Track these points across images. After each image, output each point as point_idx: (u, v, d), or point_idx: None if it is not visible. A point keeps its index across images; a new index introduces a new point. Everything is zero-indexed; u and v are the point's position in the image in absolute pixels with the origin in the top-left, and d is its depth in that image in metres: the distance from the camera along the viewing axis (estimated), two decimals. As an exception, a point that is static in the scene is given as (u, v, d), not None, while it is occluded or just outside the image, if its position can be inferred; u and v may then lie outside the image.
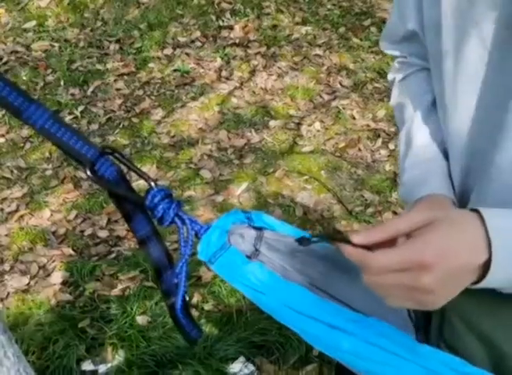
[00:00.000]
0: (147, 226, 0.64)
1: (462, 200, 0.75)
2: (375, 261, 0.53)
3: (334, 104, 2.94)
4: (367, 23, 3.61)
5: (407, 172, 0.81)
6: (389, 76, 0.95)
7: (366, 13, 3.70)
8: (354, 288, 0.64)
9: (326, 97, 3.00)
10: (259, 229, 0.69)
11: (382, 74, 3.11)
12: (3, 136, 2.78)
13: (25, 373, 0.97)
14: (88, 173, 0.60)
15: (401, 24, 0.85)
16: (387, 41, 0.94)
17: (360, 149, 2.67)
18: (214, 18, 3.58)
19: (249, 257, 0.65)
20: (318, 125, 2.80)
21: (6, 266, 2.13)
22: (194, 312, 1.88)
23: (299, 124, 2.82)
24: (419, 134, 0.82)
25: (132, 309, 1.88)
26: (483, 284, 0.55)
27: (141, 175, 0.64)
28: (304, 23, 3.60)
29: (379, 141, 2.67)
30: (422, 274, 0.52)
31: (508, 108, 0.61)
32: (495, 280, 0.54)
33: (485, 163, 0.67)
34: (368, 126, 2.79)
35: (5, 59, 3.29)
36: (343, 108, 2.91)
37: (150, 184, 0.63)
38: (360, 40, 3.44)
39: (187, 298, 0.65)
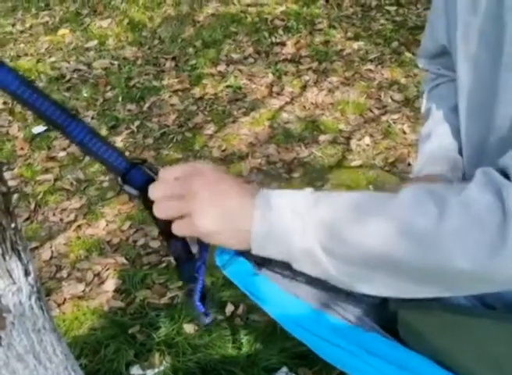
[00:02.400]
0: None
1: None
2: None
3: (384, 118, 2.94)
4: (420, 37, 3.58)
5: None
6: (423, 86, 1.01)
7: (420, 27, 3.69)
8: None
9: (377, 111, 3.00)
10: None
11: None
12: (64, 149, 2.93)
13: (73, 371, 1.04)
14: (120, 182, 0.66)
15: (434, 41, 0.90)
16: (423, 58, 0.99)
17: (409, 164, 2.65)
18: (267, 35, 3.66)
19: (260, 265, 0.67)
20: (367, 139, 2.81)
21: (64, 273, 2.23)
22: (240, 322, 1.92)
23: (348, 138, 2.84)
24: (439, 129, 0.87)
25: (179, 317, 1.94)
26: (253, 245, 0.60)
27: None
28: (356, 38, 3.62)
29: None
30: (194, 179, 0.61)
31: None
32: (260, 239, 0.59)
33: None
34: (418, 140, 2.76)
35: (68, 77, 3.46)
36: (394, 123, 2.90)
37: None
38: (413, 54, 3.43)
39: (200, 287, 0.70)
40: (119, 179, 0.66)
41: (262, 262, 0.67)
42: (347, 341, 0.63)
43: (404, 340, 0.67)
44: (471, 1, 0.69)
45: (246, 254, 0.65)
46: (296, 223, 0.57)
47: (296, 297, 0.66)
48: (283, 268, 0.66)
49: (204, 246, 0.68)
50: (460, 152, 0.84)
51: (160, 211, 0.62)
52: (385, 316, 0.69)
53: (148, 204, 0.66)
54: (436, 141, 0.88)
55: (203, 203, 0.60)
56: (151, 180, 0.67)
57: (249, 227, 0.59)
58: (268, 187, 0.62)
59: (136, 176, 0.66)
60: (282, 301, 0.65)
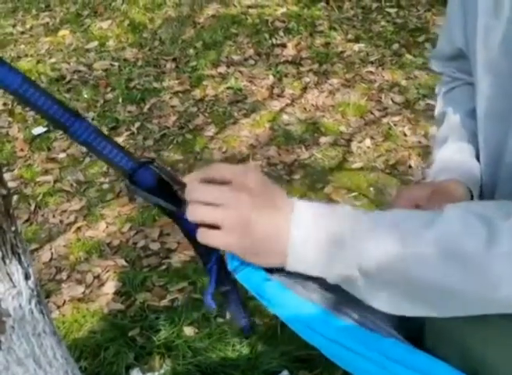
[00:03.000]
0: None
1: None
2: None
3: (385, 121, 2.93)
4: (421, 39, 3.60)
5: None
6: (437, 89, 1.00)
7: (421, 29, 3.69)
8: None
9: (377, 113, 3.00)
10: None
11: (435, 91, 3.08)
12: (64, 151, 2.92)
13: (73, 375, 1.03)
14: (127, 183, 0.65)
15: (450, 44, 0.90)
16: (437, 60, 0.99)
17: (410, 166, 2.65)
18: (267, 36, 3.65)
19: (272, 270, 0.66)
20: (368, 142, 2.81)
21: (64, 275, 2.23)
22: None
23: (349, 141, 2.83)
24: (455, 134, 0.87)
25: (180, 320, 1.93)
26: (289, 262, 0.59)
27: (178, 183, 0.68)
28: (357, 40, 3.61)
29: (431, 158, 2.64)
30: (241, 192, 0.59)
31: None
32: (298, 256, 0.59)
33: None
34: (419, 142, 2.77)
35: (68, 78, 3.45)
36: (395, 125, 2.90)
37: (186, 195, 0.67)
38: (414, 56, 3.43)
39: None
40: (127, 180, 0.65)
41: (275, 269, 0.66)
42: (365, 346, 0.62)
43: (428, 346, 0.66)
44: (492, 4, 0.68)
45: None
46: (335, 249, 0.57)
47: (310, 301, 0.65)
48: (296, 274, 0.66)
49: (214, 249, 0.67)
50: (478, 157, 0.83)
51: (195, 215, 0.61)
52: (401, 321, 0.68)
53: (161, 206, 0.65)
54: (453, 146, 0.87)
55: (243, 221, 0.59)
56: (160, 179, 0.66)
57: (285, 251, 0.59)
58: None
59: (144, 176, 0.65)
60: (296, 305, 0.64)
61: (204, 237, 0.61)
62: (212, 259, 0.69)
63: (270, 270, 0.65)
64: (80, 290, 2.14)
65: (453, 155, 0.87)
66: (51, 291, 2.13)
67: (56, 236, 2.42)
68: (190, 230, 0.67)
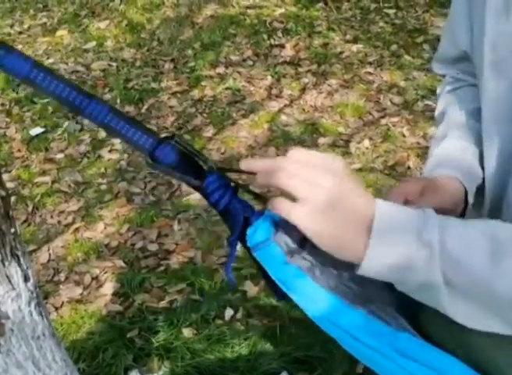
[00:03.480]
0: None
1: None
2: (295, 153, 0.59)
3: (384, 121, 2.93)
4: (419, 40, 3.59)
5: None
6: (438, 90, 0.99)
7: (419, 30, 3.69)
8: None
9: (376, 114, 3.00)
10: None
11: (434, 92, 3.08)
12: (62, 151, 2.91)
13: (72, 378, 1.02)
14: (149, 161, 0.63)
15: (454, 46, 0.89)
16: (440, 63, 0.98)
17: (409, 167, 2.65)
18: (266, 37, 3.65)
19: (292, 253, 0.65)
20: (367, 142, 2.80)
21: (62, 277, 2.22)
22: (239, 326, 1.91)
23: (348, 142, 2.83)
24: (455, 132, 0.86)
25: (178, 321, 1.92)
26: (365, 265, 0.57)
27: (201, 158, 0.67)
28: (355, 40, 3.61)
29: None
30: (328, 175, 0.57)
31: None
32: (375, 259, 0.56)
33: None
34: (418, 143, 2.77)
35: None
36: (393, 126, 2.90)
37: (208, 168, 0.66)
38: (412, 57, 3.43)
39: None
40: (148, 157, 0.64)
41: (294, 251, 0.65)
42: (377, 340, 0.62)
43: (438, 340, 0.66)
44: (503, 6, 0.68)
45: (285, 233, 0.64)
46: (421, 253, 0.55)
47: (327, 289, 0.64)
48: (316, 258, 0.65)
49: (237, 221, 0.66)
50: (480, 158, 0.82)
51: (283, 178, 0.58)
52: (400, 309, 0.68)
53: (186, 179, 0.64)
54: (452, 143, 0.86)
55: (324, 204, 0.56)
56: (182, 154, 0.65)
57: (362, 248, 0.57)
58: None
59: (165, 153, 0.64)
60: (312, 293, 0.63)
61: (279, 205, 0.59)
62: (234, 234, 0.67)
63: (290, 253, 0.64)
64: (78, 291, 2.13)
65: (451, 152, 0.85)
66: (49, 292, 2.12)
67: (54, 237, 2.41)
68: (215, 202, 0.66)
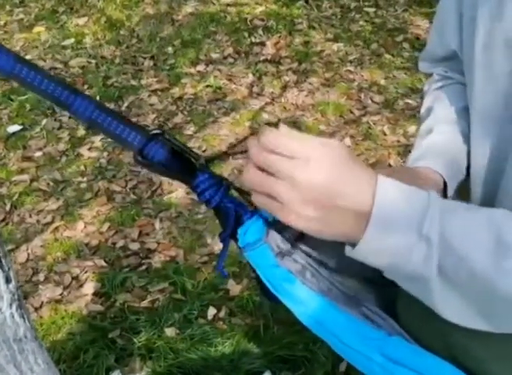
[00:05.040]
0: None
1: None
2: (266, 134, 0.54)
3: (365, 120, 2.94)
4: (399, 39, 3.61)
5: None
6: (425, 87, 0.98)
7: (399, 29, 3.71)
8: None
9: (357, 113, 3.01)
10: None
11: (414, 90, 3.10)
12: (41, 149, 2.87)
13: (54, 380, 1.00)
14: (139, 159, 0.62)
15: (442, 45, 0.88)
16: (427, 62, 0.97)
17: (390, 165, 2.66)
18: (246, 35, 3.64)
19: (283, 254, 0.64)
20: (348, 141, 2.81)
21: (41, 276, 2.18)
22: (222, 325, 1.90)
23: (329, 140, 2.83)
24: (441, 127, 0.85)
25: (161, 321, 1.91)
26: (359, 249, 0.55)
27: (192, 155, 0.65)
28: (336, 39, 3.62)
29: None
30: (301, 166, 0.52)
31: None
32: (370, 244, 0.54)
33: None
34: (398, 141, 2.78)
35: (44, 75, 3.39)
36: (374, 124, 2.91)
37: (199, 166, 0.65)
38: (392, 56, 3.45)
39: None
40: (137, 155, 0.62)
41: (285, 252, 0.64)
42: (366, 344, 0.61)
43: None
44: (495, 5, 0.67)
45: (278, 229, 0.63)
46: (420, 245, 0.53)
47: (318, 292, 0.63)
48: (308, 260, 0.64)
49: (229, 220, 0.65)
50: (467, 154, 0.82)
51: (252, 182, 0.55)
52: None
53: (176, 176, 0.62)
54: (437, 137, 0.84)
55: (300, 202, 0.53)
56: (172, 151, 0.64)
57: (357, 236, 0.54)
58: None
59: (154, 150, 0.63)
60: (302, 296, 0.63)
61: (259, 204, 0.56)
62: (226, 231, 0.66)
63: (281, 254, 0.63)
64: (57, 291, 2.11)
65: (435, 146, 0.83)
66: (28, 292, 2.09)
67: (33, 236, 2.37)
68: (207, 199, 0.65)
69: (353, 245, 0.56)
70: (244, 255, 0.64)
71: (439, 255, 0.53)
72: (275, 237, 0.64)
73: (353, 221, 0.54)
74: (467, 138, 0.82)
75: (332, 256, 0.67)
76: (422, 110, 0.94)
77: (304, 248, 0.65)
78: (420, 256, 0.53)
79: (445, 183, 0.79)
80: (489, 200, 0.75)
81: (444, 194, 0.79)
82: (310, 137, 0.55)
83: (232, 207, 0.65)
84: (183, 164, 0.65)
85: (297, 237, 0.65)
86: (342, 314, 0.63)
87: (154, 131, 0.63)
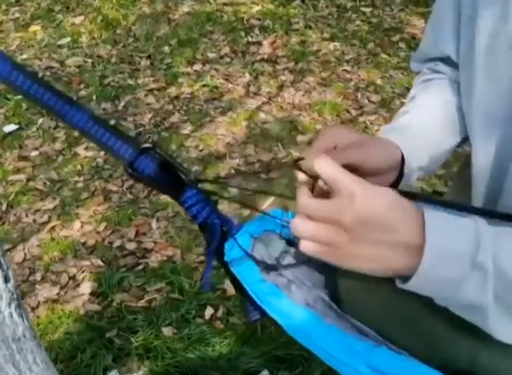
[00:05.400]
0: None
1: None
2: (305, 203, 0.55)
3: (361, 119, 2.95)
4: (396, 38, 3.62)
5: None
6: (414, 81, 0.97)
7: (395, 29, 3.72)
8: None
9: (354, 112, 3.01)
10: (289, 242, 0.69)
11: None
12: (37, 149, 2.86)
13: (53, 380, 1.00)
14: (129, 171, 0.62)
15: (438, 50, 0.86)
16: (419, 62, 0.95)
17: (387, 164, 2.66)
18: (243, 34, 3.64)
19: (269, 269, 0.65)
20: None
21: (38, 276, 2.18)
22: (219, 325, 1.90)
23: (326, 139, 2.83)
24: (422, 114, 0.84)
25: (158, 320, 1.91)
26: (414, 281, 0.54)
27: (181, 170, 0.66)
28: (332, 38, 3.62)
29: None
30: (347, 205, 0.53)
31: None
32: (426, 277, 0.53)
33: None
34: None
35: (40, 75, 3.38)
36: (371, 124, 2.91)
37: (188, 182, 0.65)
38: (389, 55, 3.45)
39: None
40: (127, 167, 0.62)
41: (271, 267, 0.65)
42: (351, 356, 0.61)
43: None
44: (500, 6, 0.66)
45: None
46: (474, 274, 0.53)
47: (303, 305, 0.64)
48: (293, 274, 0.65)
49: (215, 236, 0.66)
50: (438, 145, 0.80)
51: (300, 232, 0.55)
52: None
53: (165, 190, 0.63)
54: (412, 118, 0.82)
55: (351, 243, 0.53)
56: (162, 165, 0.64)
57: (410, 270, 0.54)
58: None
59: (145, 163, 0.63)
60: (288, 309, 0.63)
61: (310, 252, 0.56)
62: (211, 247, 0.67)
63: (266, 269, 0.64)
64: (54, 291, 2.10)
65: (409, 126, 0.81)
66: (25, 292, 2.08)
67: (29, 236, 2.36)
68: (194, 214, 0.65)
69: (405, 278, 0.55)
70: (231, 270, 0.65)
71: (493, 281, 0.53)
72: (261, 252, 0.65)
73: (405, 255, 0.54)
74: (441, 129, 0.81)
75: (310, 271, 0.68)
76: (407, 98, 0.94)
77: (285, 263, 0.66)
78: (475, 285, 0.53)
79: (403, 164, 0.77)
80: (492, 200, 0.75)
81: (400, 174, 0.77)
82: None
83: (218, 223, 0.65)
84: (172, 179, 0.66)
85: (281, 253, 0.66)
86: (327, 327, 0.63)
87: (146, 145, 0.64)
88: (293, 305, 0.63)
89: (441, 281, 0.54)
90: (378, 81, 3.23)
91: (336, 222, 0.53)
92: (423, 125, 0.81)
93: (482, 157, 0.75)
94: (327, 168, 0.54)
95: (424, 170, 0.81)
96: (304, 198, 0.56)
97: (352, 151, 0.66)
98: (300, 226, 0.55)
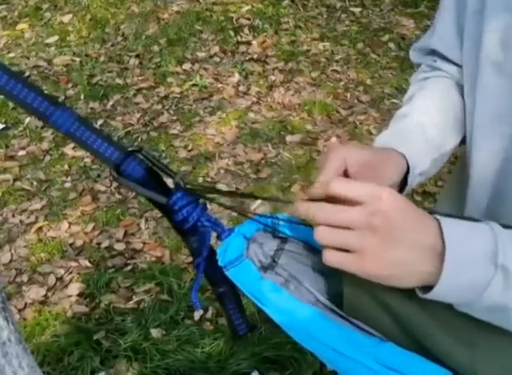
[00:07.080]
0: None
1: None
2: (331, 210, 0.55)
3: (351, 119, 2.95)
4: (385, 38, 3.62)
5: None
6: (412, 77, 0.94)
7: (384, 29, 3.72)
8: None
9: (343, 112, 3.01)
10: (283, 239, 0.68)
11: (400, 90, 3.11)
12: (24, 148, 2.83)
13: (39, 384, 0.98)
14: (114, 174, 0.61)
15: (438, 44, 0.85)
16: (420, 52, 0.93)
17: (376, 165, 2.66)
18: (232, 33, 3.62)
19: (265, 268, 0.64)
20: (334, 140, 2.80)
21: (24, 277, 2.15)
22: (209, 326, 1.88)
23: (316, 139, 2.83)
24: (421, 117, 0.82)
25: (147, 322, 1.89)
26: (438, 287, 0.54)
27: (168, 173, 0.64)
28: (322, 38, 3.62)
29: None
30: (372, 208, 0.53)
31: None
32: (448, 284, 0.53)
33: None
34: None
35: (27, 74, 3.35)
36: (360, 124, 2.91)
37: (176, 184, 0.63)
38: (378, 56, 3.46)
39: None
40: (113, 171, 0.61)
41: (267, 267, 0.63)
42: (359, 351, 0.60)
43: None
44: None
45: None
46: (497, 277, 0.52)
47: (305, 302, 0.62)
48: (290, 273, 0.63)
49: (204, 243, 0.64)
50: (437, 148, 0.79)
51: (326, 239, 0.55)
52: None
53: (151, 196, 0.62)
54: (411, 123, 0.80)
55: (380, 246, 0.53)
56: (149, 168, 0.63)
57: (433, 277, 0.54)
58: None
59: (131, 167, 0.61)
60: (289, 306, 0.62)
61: (335, 261, 0.55)
62: (202, 255, 0.65)
63: (264, 268, 0.63)
64: (41, 292, 2.08)
65: (407, 131, 0.79)
66: (12, 293, 2.06)
67: (16, 236, 2.34)
68: (178, 223, 0.64)
69: (426, 288, 0.55)
70: (227, 274, 0.63)
71: None
72: (256, 252, 0.63)
73: (428, 261, 0.53)
74: (442, 131, 0.80)
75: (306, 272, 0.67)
76: (405, 98, 0.91)
77: (281, 262, 0.65)
78: (499, 286, 0.53)
79: (408, 170, 0.76)
80: (492, 201, 0.74)
81: (405, 180, 0.76)
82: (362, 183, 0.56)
83: (209, 226, 0.64)
84: (159, 183, 0.64)
85: (275, 252, 0.65)
86: (332, 322, 0.62)
87: (132, 148, 0.62)
88: (295, 301, 0.62)
89: (465, 286, 0.54)
90: (368, 81, 3.23)
91: (365, 226, 0.53)
92: (424, 129, 0.80)
93: (483, 157, 0.73)
94: (347, 186, 0.55)
95: (425, 175, 0.80)
96: (327, 205, 0.55)
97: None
98: (327, 233, 0.55)
